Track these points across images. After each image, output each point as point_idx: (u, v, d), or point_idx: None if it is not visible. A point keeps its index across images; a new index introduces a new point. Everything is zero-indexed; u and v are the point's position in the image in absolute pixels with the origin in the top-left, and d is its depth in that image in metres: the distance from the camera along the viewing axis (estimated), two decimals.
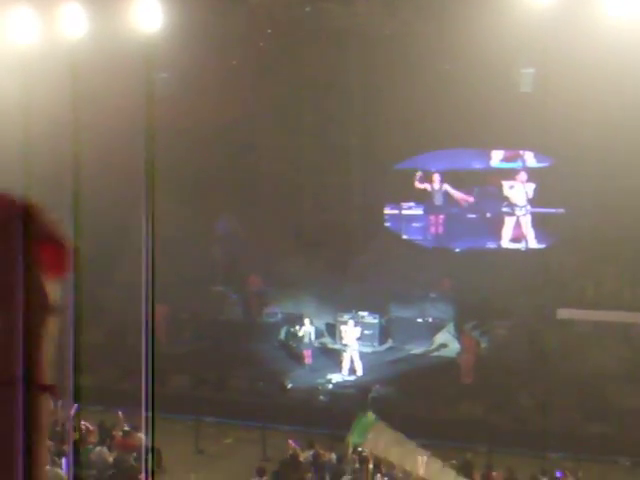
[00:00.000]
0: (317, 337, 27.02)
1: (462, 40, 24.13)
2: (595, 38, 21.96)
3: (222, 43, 26.72)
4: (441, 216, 28.36)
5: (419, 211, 28.51)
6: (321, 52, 27.05)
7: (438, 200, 28.13)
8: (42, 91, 24.55)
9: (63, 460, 17.72)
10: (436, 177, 27.97)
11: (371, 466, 17.48)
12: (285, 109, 28.23)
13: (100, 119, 25.94)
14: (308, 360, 26.05)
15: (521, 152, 27.19)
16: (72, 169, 24.92)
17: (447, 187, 27.95)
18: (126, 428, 19.46)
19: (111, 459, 18.52)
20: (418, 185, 28.06)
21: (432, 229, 28.61)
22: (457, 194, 27.90)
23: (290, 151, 28.54)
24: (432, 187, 28.05)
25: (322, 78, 27.54)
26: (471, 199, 27.84)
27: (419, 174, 28.04)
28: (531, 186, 26.92)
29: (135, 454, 18.76)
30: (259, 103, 27.89)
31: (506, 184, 27.19)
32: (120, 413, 20.24)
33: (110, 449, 18.90)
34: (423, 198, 28.32)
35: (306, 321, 26.25)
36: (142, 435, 19.39)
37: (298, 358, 26.16)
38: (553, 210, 26.51)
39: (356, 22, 26.00)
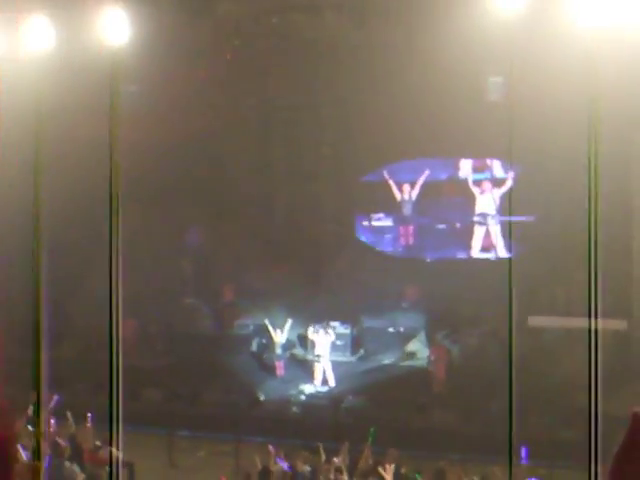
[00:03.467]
0: (289, 348, 26.98)
1: (430, 49, 24.20)
2: (564, 47, 22.05)
3: (189, 55, 26.69)
4: (411, 227, 28.38)
5: (389, 222, 28.53)
6: (289, 63, 27.06)
7: (407, 210, 28.15)
8: (6, 104, 24.41)
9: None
10: (406, 187, 27.99)
11: (345, 477, 17.48)
12: (253, 121, 28.22)
13: (66, 132, 25.85)
14: (280, 372, 26.01)
15: (489, 162, 27.27)
16: (35, 183, 24.79)
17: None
18: (97, 443, 19.34)
19: (82, 477, 18.40)
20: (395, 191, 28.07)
21: (402, 240, 28.62)
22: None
23: (259, 162, 28.52)
24: (402, 197, 28.07)
25: (290, 89, 27.54)
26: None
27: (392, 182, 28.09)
28: (499, 195, 27.00)
29: (108, 469, 18.67)
30: (227, 115, 27.84)
31: (476, 194, 27.27)
32: (89, 426, 20.12)
33: (80, 465, 18.75)
34: (393, 209, 28.34)
35: (277, 332, 26.21)
36: (114, 449, 19.34)
37: (270, 370, 26.12)
38: (523, 218, 26.58)
39: (324, 33, 26.04)
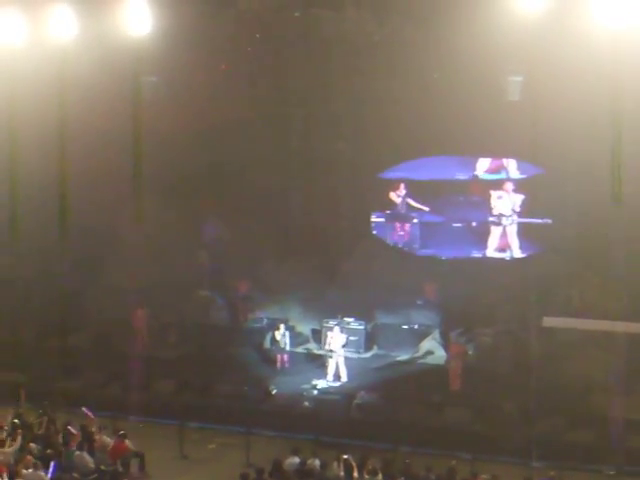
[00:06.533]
0: (302, 343, 26.98)
1: (450, 47, 24.18)
2: (583, 47, 21.98)
3: (211, 47, 26.74)
4: (426, 224, 28.36)
5: (401, 219, 28.56)
6: (309, 57, 27.06)
7: (402, 209, 28.23)
8: (30, 94, 24.53)
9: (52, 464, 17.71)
10: (401, 186, 28.07)
11: (356, 474, 17.48)
12: (273, 114, 28.21)
13: (88, 122, 25.93)
14: (280, 365, 26.04)
15: (505, 162, 27.21)
16: (59, 172, 24.89)
17: (408, 199, 28.13)
18: (122, 432, 19.42)
19: (92, 464, 18.46)
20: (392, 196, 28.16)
21: (418, 237, 28.60)
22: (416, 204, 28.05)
23: (278, 156, 28.52)
24: (397, 196, 28.16)
25: (310, 83, 27.53)
26: (426, 209, 27.95)
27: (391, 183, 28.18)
28: (518, 196, 26.95)
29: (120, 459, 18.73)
30: (247, 107, 27.86)
31: (493, 194, 27.22)
32: (86, 412, 20.19)
33: (91, 453, 18.81)
34: (399, 207, 28.34)
35: (281, 326, 26.20)
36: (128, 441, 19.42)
37: (273, 363, 26.16)
38: (540, 220, 26.53)
39: (345, 28, 26.04)
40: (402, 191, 28.08)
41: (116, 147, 25.90)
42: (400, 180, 28.02)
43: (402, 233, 28.56)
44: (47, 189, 25.55)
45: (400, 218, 28.48)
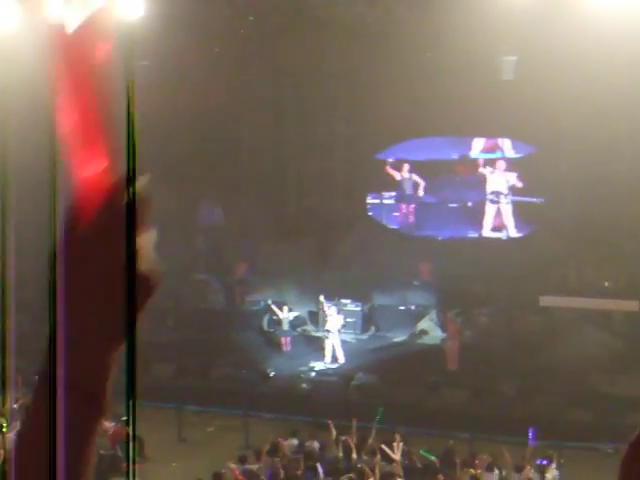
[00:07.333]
0: (299, 325, 27.03)
1: (444, 27, 24.09)
2: (578, 26, 21.98)
3: (203, 30, 26.61)
4: (422, 205, 28.39)
5: (399, 200, 28.58)
6: (303, 40, 26.96)
7: (409, 189, 28.23)
8: (17, 78, 24.43)
9: None
10: (405, 167, 28.09)
11: (354, 455, 17.52)
12: (267, 97, 28.16)
13: None
14: (286, 347, 26.10)
15: (500, 142, 27.21)
16: (50, 157, 24.82)
17: (415, 177, 28.08)
18: (124, 418, 19.42)
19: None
20: (391, 171, 28.13)
21: (412, 218, 28.63)
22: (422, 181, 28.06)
23: (272, 139, 28.48)
24: (402, 177, 28.15)
25: (303, 66, 27.46)
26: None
27: (389, 162, 28.14)
28: (512, 175, 26.96)
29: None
30: (241, 90, 27.78)
31: (488, 173, 27.22)
32: None
33: None
34: (402, 188, 28.36)
35: (284, 308, 26.26)
36: (124, 425, 19.39)
37: (279, 346, 26.20)
38: (535, 199, 26.55)
39: (338, 9, 25.92)
40: (406, 173, 28.06)
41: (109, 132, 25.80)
42: (399, 161, 28.05)
43: (406, 213, 28.59)
44: (39, 173, 25.49)
45: (406, 199, 28.47)
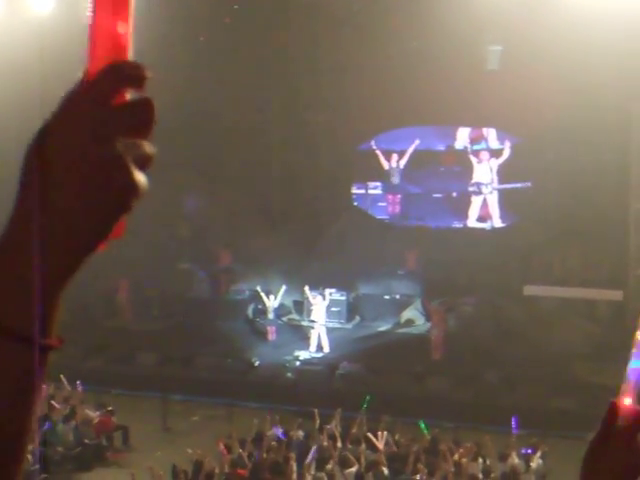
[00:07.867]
0: (284, 314, 27.03)
1: (429, 17, 24.10)
2: (563, 16, 22.01)
3: (188, 19, 26.54)
4: (407, 195, 28.40)
5: (384, 190, 28.60)
6: (288, 28, 26.93)
7: (396, 179, 28.24)
8: (9, 68, 24.34)
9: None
10: (394, 156, 28.08)
11: (339, 444, 17.54)
12: (252, 85, 28.07)
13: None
14: (272, 336, 26.11)
15: (485, 132, 27.23)
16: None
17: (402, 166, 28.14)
18: (109, 408, 19.55)
19: (71, 437, 18.51)
20: (382, 160, 28.14)
21: (398, 208, 28.64)
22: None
23: (257, 127, 28.42)
24: (390, 166, 28.15)
25: (289, 54, 27.42)
26: None
27: (380, 150, 28.13)
28: (496, 164, 27.00)
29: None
30: (225, 79, 27.71)
31: (473, 161, 27.25)
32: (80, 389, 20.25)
33: (76, 427, 18.83)
34: (389, 178, 28.37)
35: (270, 297, 26.28)
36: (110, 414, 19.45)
37: (264, 335, 26.21)
38: (519, 185, 26.57)
39: None
40: (395, 162, 28.08)
41: None
42: (388, 151, 28.07)
43: (392, 203, 28.60)
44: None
45: (394, 189, 28.48)
